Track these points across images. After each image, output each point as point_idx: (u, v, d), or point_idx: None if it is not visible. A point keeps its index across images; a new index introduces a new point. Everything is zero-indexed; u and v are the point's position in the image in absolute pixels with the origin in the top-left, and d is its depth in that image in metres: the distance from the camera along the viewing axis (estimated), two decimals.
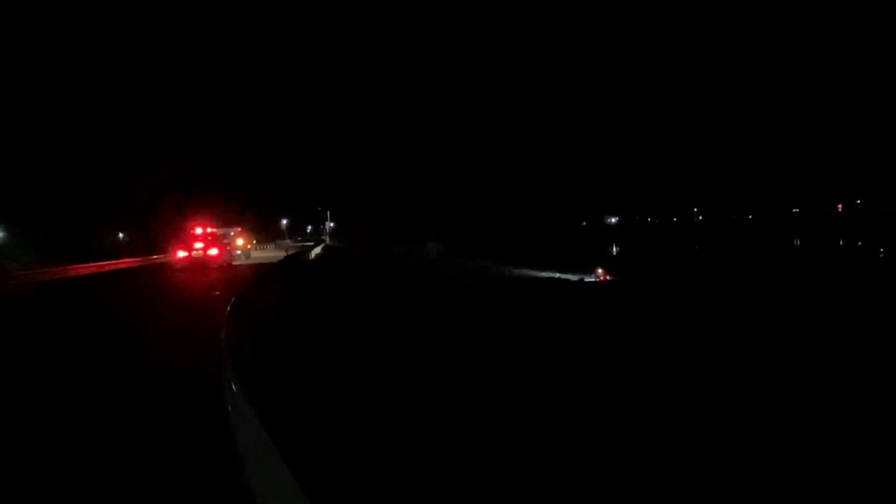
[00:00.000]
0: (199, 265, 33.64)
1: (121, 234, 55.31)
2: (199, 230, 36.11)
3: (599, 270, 33.73)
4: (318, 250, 52.50)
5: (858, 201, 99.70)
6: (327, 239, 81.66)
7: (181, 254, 34.86)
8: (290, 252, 47.75)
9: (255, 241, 58.39)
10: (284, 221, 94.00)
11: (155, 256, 42.98)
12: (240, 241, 47.35)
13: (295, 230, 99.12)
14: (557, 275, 32.01)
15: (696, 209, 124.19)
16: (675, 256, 52.31)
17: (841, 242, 65.58)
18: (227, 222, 47.18)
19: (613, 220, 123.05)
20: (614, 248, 72.20)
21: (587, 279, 30.57)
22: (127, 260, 40.29)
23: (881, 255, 51.67)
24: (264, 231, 75.96)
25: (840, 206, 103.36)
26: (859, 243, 63.24)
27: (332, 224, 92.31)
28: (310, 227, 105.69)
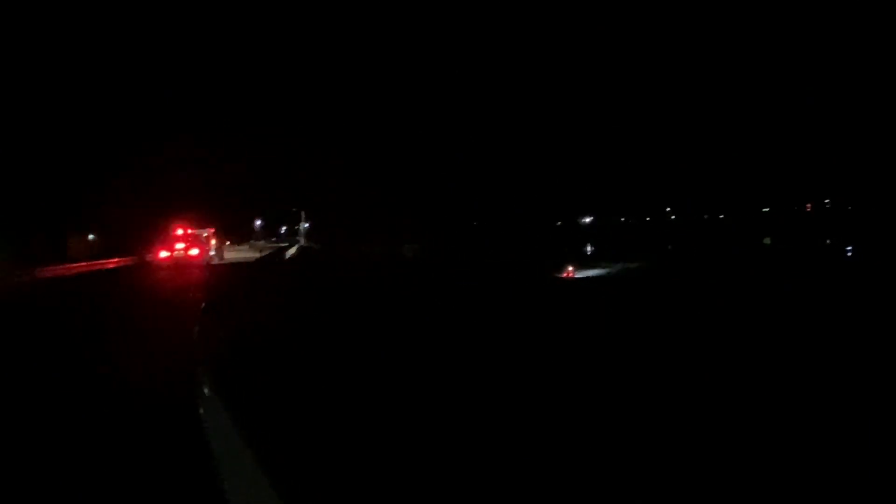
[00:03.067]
0: (181, 265, 34.06)
1: (91, 236, 54.39)
2: (179, 231, 36.73)
3: (570, 268, 34.23)
4: (292, 251, 52.27)
5: (827, 201, 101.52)
6: (302, 240, 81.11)
7: (163, 254, 35.68)
8: (264, 253, 47.56)
9: (228, 242, 57.90)
10: (258, 222, 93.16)
11: (130, 258, 42.28)
12: (213, 242, 47.03)
13: (269, 231, 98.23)
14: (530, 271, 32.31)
15: (668, 209, 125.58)
16: (650, 254, 52.88)
17: (810, 241, 66.76)
18: (199, 223, 46.83)
19: (588, 219, 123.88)
20: (588, 248, 72.73)
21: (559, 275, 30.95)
22: (103, 262, 39.48)
23: (848, 254, 52.80)
24: (238, 232, 75.26)
25: (809, 205, 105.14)
26: (828, 241, 64.44)
27: (306, 225, 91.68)
28: (284, 228, 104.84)
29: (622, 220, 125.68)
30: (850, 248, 54.62)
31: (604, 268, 36.55)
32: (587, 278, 31.76)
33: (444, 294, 19.58)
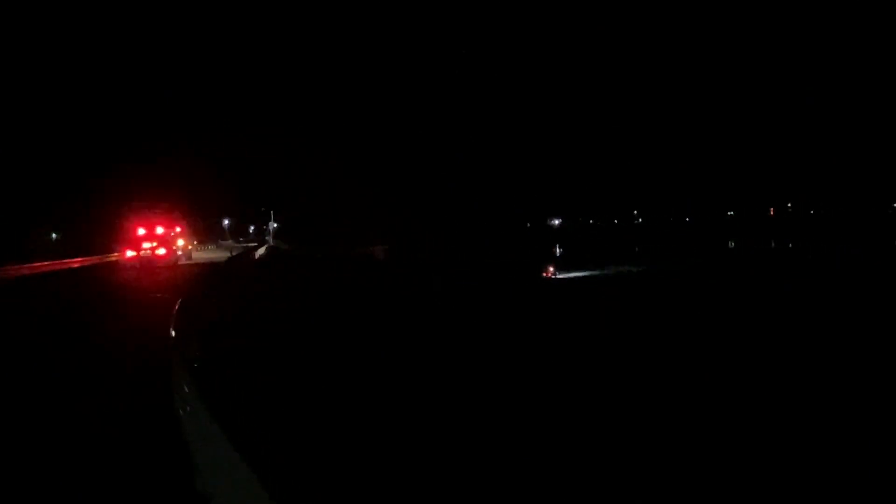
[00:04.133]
0: (148, 265, 33.49)
1: (53, 235, 53.19)
2: (143, 230, 36.06)
3: (551, 268, 34.61)
4: (261, 251, 51.78)
5: (790, 205, 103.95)
6: (270, 240, 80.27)
7: (130, 254, 34.99)
8: (233, 253, 47.09)
9: (196, 242, 57.16)
10: (226, 222, 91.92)
11: (94, 257, 41.36)
12: (180, 242, 46.34)
13: (238, 231, 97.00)
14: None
15: (636, 212, 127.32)
16: (616, 256, 53.47)
17: (773, 244, 68.19)
18: (167, 222, 46.09)
19: (556, 221, 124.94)
20: (558, 249, 73.29)
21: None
22: (72, 260, 38.46)
23: (810, 257, 53.98)
24: (206, 231, 74.23)
25: (772, 209, 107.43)
26: (790, 245, 65.88)
27: (275, 225, 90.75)
28: (252, 228, 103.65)
29: (591, 222, 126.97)
30: (813, 250, 55.88)
31: (590, 270, 36.95)
32: (579, 279, 32.13)
33: (429, 295, 19.60)
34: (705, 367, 7.90)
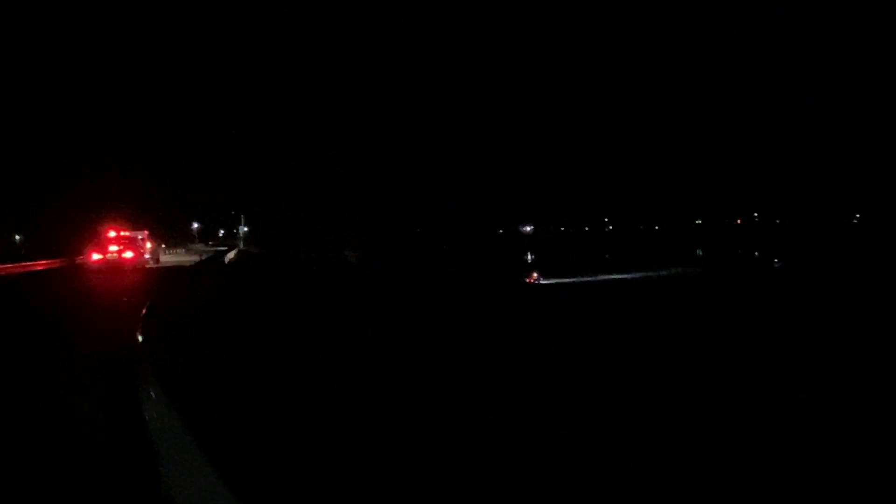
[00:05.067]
0: (115, 268, 32.99)
1: (17, 237, 52.03)
2: (112, 233, 35.68)
3: (535, 274, 35.15)
4: (231, 255, 51.25)
5: (756, 214, 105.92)
6: (241, 244, 79.44)
7: (96, 256, 34.51)
8: (202, 257, 46.61)
9: (164, 245, 56.48)
10: (196, 225, 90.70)
11: (59, 260, 40.47)
12: (148, 245, 45.75)
13: (208, 235, 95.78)
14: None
15: (606, 219, 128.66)
16: (591, 263, 54.00)
17: (739, 252, 69.43)
18: (134, 225, 45.47)
19: (528, 228, 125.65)
20: (529, 256, 73.72)
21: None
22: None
23: (776, 265, 55.07)
24: (175, 235, 73.23)
25: (739, 219, 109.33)
26: (756, 253, 67.11)
27: (245, 229, 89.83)
28: (223, 232, 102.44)
29: (562, 229, 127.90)
30: (777, 259, 57.00)
31: (575, 276, 37.35)
32: (564, 285, 32.52)
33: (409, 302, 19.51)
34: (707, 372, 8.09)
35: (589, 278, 36.89)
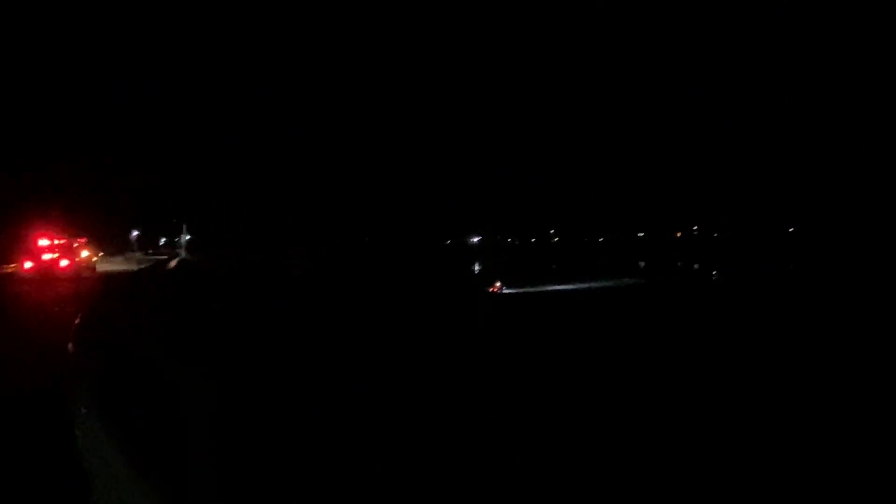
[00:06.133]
0: (49, 276, 31.80)
1: None
2: (45, 241, 34.43)
3: (498, 283, 35.61)
4: (172, 264, 50.03)
5: (695, 228, 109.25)
6: (183, 252, 77.56)
7: (28, 265, 33.24)
8: (141, 266, 45.45)
9: (101, 253, 54.75)
10: (135, 233, 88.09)
11: None
12: (84, 253, 44.29)
13: (148, 242, 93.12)
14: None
15: (552, 231, 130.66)
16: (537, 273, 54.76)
17: (679, 264, 71.44)
18: (70, 232, 43.94)
19: (475, 239, 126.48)
20: (476, 266, 74.16)
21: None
22: None
23: (714, 277, 56.87)
24: (112, 242, 70.92)
25: (679, 232, 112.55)
26: (696, 266, 69.17)
27: (188, 237, 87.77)
28: (164, 240, 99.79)
29: (508, 240, 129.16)
30: (715, 271, 58.84)
31: (537, 286, 37.99)
32: (528, 294, 32.90)
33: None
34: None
35: (548, 287, 37.52)
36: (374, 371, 9.54)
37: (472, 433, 6.09)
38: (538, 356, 10.27)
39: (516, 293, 33.24)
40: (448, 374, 8.98)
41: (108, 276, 32.90)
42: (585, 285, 40.42)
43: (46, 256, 33.97)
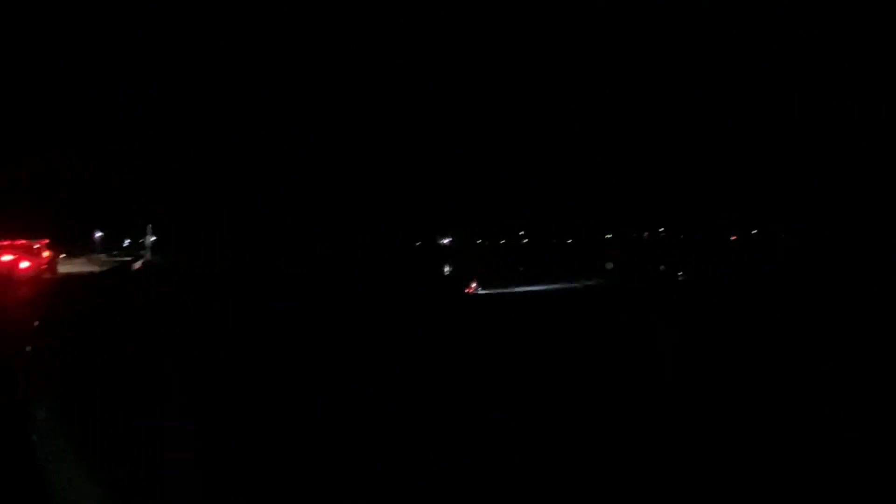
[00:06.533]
0: (7, 278, 31.21)
1: None
2: (4, 242, 33.90)
3: (473, 284, 35.91)
4: (136, 266, 49.39)
5: (662, 229, 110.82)
6: (148, 254, 76.25)
7: None
8: (102, 267, 44.79)
9: (63, 255, 53.77)
10: (98, 234, 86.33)
11: None
12: (45, 254, 43.50)
13: (111, 244, 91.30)
14: None
15: (521, 232, 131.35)
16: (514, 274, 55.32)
17: (648, 266, 72.37)
18: (30, 233, 43.12)
19: (446, 240, 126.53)
20: (446, 268, 74.18)
21: None
22: None
23: (680, 278, 57.70)
24: (74, 243, 69.47)
25: (646, 233, 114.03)
26: (661, 267, 70.15)
27: (153, 238, 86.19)
28: (128, 241, 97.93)
29: (478, 241, 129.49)
30: (681, 272, 59.75)
31: (511, 286, 38.43)
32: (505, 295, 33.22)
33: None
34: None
35: (521, 288, 37.93)
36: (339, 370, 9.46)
37: (464, 431, 6.07)
38: (520, 355, 10.34)
39: (492, 294, 33.62)
40: (431, 371, 8.96)
41: (70, 278, 32.33)
42: (556, 286, 40.95)
43: (5, 258, 33.44)
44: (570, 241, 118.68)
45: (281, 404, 6.89)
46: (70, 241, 66.09)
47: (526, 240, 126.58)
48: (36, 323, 8.91)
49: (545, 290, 37.37)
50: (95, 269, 44.88)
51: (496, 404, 6.43)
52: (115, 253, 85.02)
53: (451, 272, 68.77)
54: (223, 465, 4.89)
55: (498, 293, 34.29)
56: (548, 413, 6.21)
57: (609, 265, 78.18)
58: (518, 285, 40.82)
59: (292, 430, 5.97)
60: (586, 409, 6.75)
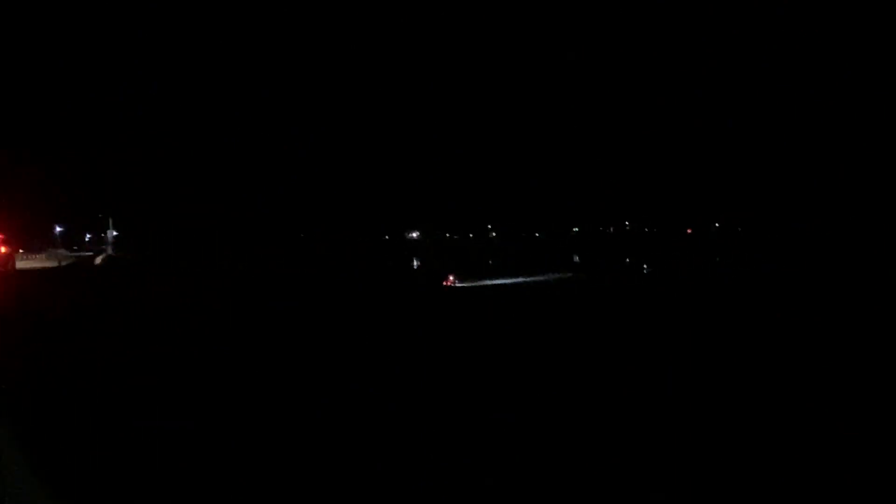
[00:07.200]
0: None
1: None
2: None
3: (451, 277, 36.61)
4: (97, 261, 48.48)
5: (627, 223, 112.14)
6: (109, 249, 74.65)
7: None
8: (62, 263, 43.78)
9: (21, 251, 52.41)
10: (59, 229, 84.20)
11: None
12: (2, 249, 42.37)
13: (72, 239, 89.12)
14: None
15: (490, 226, 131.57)
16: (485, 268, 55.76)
17: (615, 259, 73.33)
18: None
19: (414, 234, 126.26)
20: (415, 262, 74.20)
21: None
22: None
23: (645, 270, 58.62)
24: (34, 239, 67.72)
25: (612, 227, 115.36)
26: (627, 260, 71.16)
27: (115, 233, 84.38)
28: (89, 236, 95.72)
29: (447, 235, 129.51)
30: (646, 265, 60.65)
31: (488, 279, 39.17)
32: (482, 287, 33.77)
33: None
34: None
35: (495, 281, 38.45)
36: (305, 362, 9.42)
37: (462, 423, 6.11)
38: (502, 342, 10.46)
39: (469, 287, 34.31)
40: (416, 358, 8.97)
41: (28, 274, 31.58)
42: (528, 279, 41.68)
43: None
44: (537, 234, 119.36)
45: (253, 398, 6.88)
46: (29, 237, 64.41)
47: (494, 234, 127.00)
48: None
49: (518, 283, 37.92)
50: (55, 264, 43.80)
51: (486, 398, 6.51)
52: (75, 248, 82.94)
53: (420, 266, 68.78)
54: (221, 465, 4.87)
55: (474, 286, 34.81)
56: (540, 408, 6.31)
57: (576, 258, 79.03)
58: (491, 278, 41.39)
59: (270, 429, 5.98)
60: (574, 401, 6.86)
